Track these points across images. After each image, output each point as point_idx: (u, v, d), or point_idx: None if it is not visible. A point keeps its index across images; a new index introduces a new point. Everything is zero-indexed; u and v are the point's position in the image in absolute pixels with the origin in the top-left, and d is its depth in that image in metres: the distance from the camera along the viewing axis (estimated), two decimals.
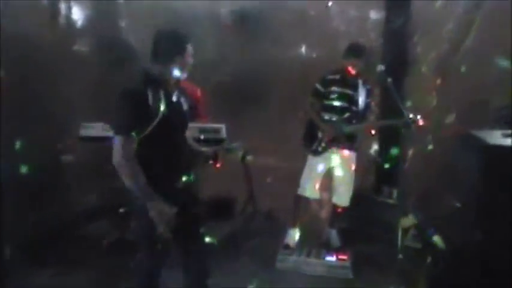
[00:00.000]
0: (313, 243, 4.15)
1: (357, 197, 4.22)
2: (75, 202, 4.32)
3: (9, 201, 3.52)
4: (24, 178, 3.47)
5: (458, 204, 3.47)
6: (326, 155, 3.91)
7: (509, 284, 3.08)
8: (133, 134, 2.33)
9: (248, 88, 4.75)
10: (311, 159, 4.02)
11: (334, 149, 3.92)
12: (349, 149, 3.95)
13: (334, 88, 3.83)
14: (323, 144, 3.90)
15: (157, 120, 2.37)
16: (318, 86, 3.88)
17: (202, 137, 3.72)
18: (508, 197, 3.15)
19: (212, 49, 4.74)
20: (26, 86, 3.82)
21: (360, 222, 4.46)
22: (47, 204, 3.99)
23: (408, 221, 3.93)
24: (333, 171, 3.96)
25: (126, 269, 2.87)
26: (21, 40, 3.77)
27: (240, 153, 3.84)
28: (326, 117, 3.89)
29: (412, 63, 4.62)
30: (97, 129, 3.84)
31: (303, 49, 4.69)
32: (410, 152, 3.75)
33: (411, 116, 3.23)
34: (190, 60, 2.54)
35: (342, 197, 4.01)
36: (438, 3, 4.33)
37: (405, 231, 3.88)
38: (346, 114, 3.83)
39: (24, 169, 3.45)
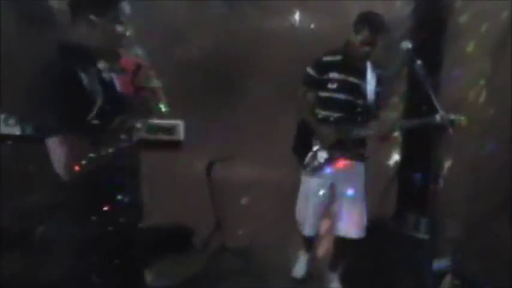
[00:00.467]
0: None
1: (370, 227, 3.97)
2: None
3: None
4: None
5: None
6: (326, 170, 3.73)
7: None
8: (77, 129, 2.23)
9: (222, 69, 4.52)
10: (306, 178, 3.80)
11: (337, 161, 3.75)
12: (357, 158, 3.75)
13: (333, 74, 3.65)
14: (322, 156, 3.72)
15: (95, 109, 2.27)
16: (311, 71, 3.69)
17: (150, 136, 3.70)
18: None
19: (176, 13, 4.50)
20: None
21: (374, 264, 4.13)
22: None
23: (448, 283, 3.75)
24: (335, 190, 3.75)
25: None
26: None
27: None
28: (322, 115, 3.70)
29: (452, 38, 4.42)
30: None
31: (297, 17, 4.49)
32: (447, 165, 3.85)
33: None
34: (126, 14, 2.37)
35: (350, 227, 3.76)
36: None
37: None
38: (351, 111, 3.67)
39: None
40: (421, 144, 4.15)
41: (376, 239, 4.07)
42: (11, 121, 3.87)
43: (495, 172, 3.89)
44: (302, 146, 3.81)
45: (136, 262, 2.55)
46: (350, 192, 3.75)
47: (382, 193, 4.56)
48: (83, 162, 2.27)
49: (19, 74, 2.36)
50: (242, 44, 4.48)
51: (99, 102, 2.27)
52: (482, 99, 4.02)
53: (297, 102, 3.75)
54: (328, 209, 3.79)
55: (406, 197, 4.67)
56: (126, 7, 2.34)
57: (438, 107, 3.17)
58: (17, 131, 3.88)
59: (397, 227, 4.45)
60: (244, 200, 4.21)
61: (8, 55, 3.83)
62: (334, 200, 3.78)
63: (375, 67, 3.72)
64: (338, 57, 3.67)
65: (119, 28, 2.34)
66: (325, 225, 3.97)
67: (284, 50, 4.37)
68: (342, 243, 3.82)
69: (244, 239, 4.38)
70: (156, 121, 3.33)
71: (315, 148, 3.74)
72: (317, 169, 3.73)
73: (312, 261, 4.11)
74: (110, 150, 2.35)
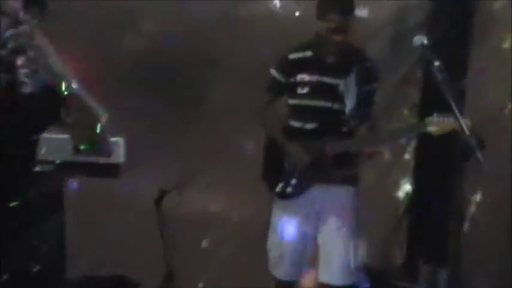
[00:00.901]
0: None
1: (371, 279, 3.92)
2: None
3: None
4: None
5: None
6: (303, 199, 3.54)
7: None
8: None
9: (178, 67, 4.36)
10: (279, 209, 3.62)
11: (316, 186, 3.54)
12: (344, 182, 3.52)
13: (303, 76, 3.48)
14: (294, 180, 3.52)
15: None
16: (275, 73, 3.54)
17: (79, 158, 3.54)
18: None
19: None
20: None
21: None
22: None
23: None
24: (316, 224, 3.58)
25: None
26: None
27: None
28: (293, 127, 3.56)
29: (481, 31, 4.29)
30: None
31: (278, 2, 4.37)
32: (474, 202, 3.85)
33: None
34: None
35: (334, 271, 3.52)
36: None
37: None
38: (330, 120, 3.51)
39: None
40: (440, 172, 4.15)
41: None
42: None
43: None
44: (272, 169, 3.61)
45: None
46: (334, 225, 3.52)
47: (388, 234, 4.46)
48: None
49: None
50: (206, 35, 4.35)
51: None
52: None
53: (260, 115, 3.59)
54: (308, 248, 3.61)
55: (419, 242, 4.49)
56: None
57: (462, 122, 2.90)
58: None
59: (406, 281, 4.31)
60: (204, 242, 4.19)
61: None
62: (315, 237, 3.59)
63: (361, 60, 3.51)
64: (308, 53, 3.48)
65: None
66: (308, 272, 3.69)
67: (262, 43, 4.24)
68: None
69: None
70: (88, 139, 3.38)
71: (288, 171, 3.56)
72: (291, 198, 3.55)
73: None
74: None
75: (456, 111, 2.96)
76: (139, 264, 4.14)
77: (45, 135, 3.40)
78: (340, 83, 3.51)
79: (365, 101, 3.53)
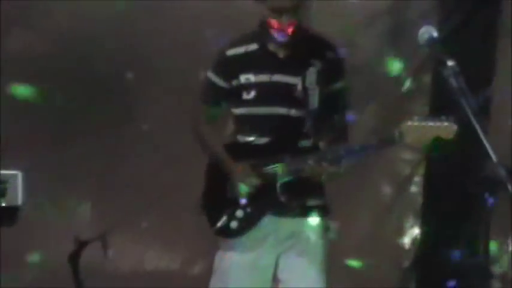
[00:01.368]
0: None
1: None
2: None
3: None
4: None
5: None
6: (253, 237, 3.10)
7: None
8: None
9: (88, 77, 4.22)
10: (223, 251, 3.17)
11: (270, 217, 3.08)
12: (307, 213, 3.10)
13: (247, 76, 3.13)
14: (241, 211, 3.13)
15: None
16: (213, 76, 3.22)
17: None
18: None
19: None
20: None
21: None
22: None
23: None
24: (273, 270, 3.08)
25: None
26: None
27: None
28: (240, 143, 3.21)
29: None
30: None
31: None
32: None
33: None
34: None
35: None
36: None
37: None
38: (287, 131, 3.15)
39: None
40: (455, 211, 3.92)
41: None
42: None
43: None
44: (213, 200, 3.11)
45: None
46: (297, 270, 3.01)
47: None
48: None
49: None
50: (120, 32, 4.21)
51: None
52: None
53: (195, 130, 3.09)
54: None
55: None
56: None
57: (485, 143, 2.26)
58: None
59: None
60: None
61: None
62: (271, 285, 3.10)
63: (322, 49, 3.06)
64: (252, 47, 3.03)
65: None
66: None
67: (193, 43, 4.12)
68: None
69: None
70: None
71: (233, 201, 3.11)
72: (236, 235, 3.09)
73: None
74: None
75: (477, 126, 2.30)
76: None
77: None
78: (298, 81, 3.08)
79: (332, 103, 3.09)
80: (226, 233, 3.15)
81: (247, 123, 3.15)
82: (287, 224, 3.11)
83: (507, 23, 4.26)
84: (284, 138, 3.12)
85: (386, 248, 4.23)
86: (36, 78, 4.44)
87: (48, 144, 4.21)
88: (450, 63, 2.42)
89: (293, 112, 3.09)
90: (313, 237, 3.15)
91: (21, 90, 4.58)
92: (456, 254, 4.03)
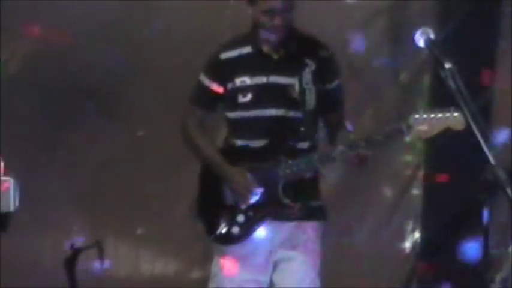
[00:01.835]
0: None
1: None
2: None
3: None
4: None
5: None
6: (251, 243, 3.34)
7: None
8: None
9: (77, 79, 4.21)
10: (221, 255, 3.33)
11: (269, 222, 3.33)
12: (307, 216, 3.28)
13: (243, 79, 3.29)
14: (242, 216, 3.33)
15: None
16: (206, 80, 3.34)
17: None
18: None
19: None
20: None
21: None
22: None
23: None
24: (270, 275, 3.30)
25: None
26: None
27: None
28: (236, 147, 3.39)
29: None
30: None
31: None
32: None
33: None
34: None
35: None
36: None
37: None
38: (284, 134, 3.35)
39: None
40: (456, 215, 3.97)
41: None
42: None
43: None
44: (209, 206, 3.32)
45: None
46: (296, 274, 3.23)
47: None
48: None
49: None
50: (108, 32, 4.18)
51: None
52: None
53: (183, 135, 3.29)
54: None
55: None
56: None
57: (487, 149, 2.22)
58: None
59: None
60: None
61: None
62: None
63: (315, 49, 3.25)
64: (246, 49, 3.22)
65: None
66: None
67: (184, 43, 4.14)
68: None
69: None
70: None
71: (230, 206, 3.29)
72: (239, 241, 3.26)
73: None
74: None
75: (478, 131, 2.21)
76: None
77: None
78: (294, 82, 3.25)
79: (330, 102, 3.25)
80: (227, 239, 3.30)
81: (243, 126, 3.29)
82: (284, 227, 3.24)
83: (507, 23, 4.29)
84: (281, 139, 3.26)
85: (386, 252, 4.25)
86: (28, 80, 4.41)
87: (41, 151, 4.25)
88: (448, 65, 2.40)
89: (290, 113, 3.22)
90: (311, 240, 3.27)
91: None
92: (456, 258, 4.06)
